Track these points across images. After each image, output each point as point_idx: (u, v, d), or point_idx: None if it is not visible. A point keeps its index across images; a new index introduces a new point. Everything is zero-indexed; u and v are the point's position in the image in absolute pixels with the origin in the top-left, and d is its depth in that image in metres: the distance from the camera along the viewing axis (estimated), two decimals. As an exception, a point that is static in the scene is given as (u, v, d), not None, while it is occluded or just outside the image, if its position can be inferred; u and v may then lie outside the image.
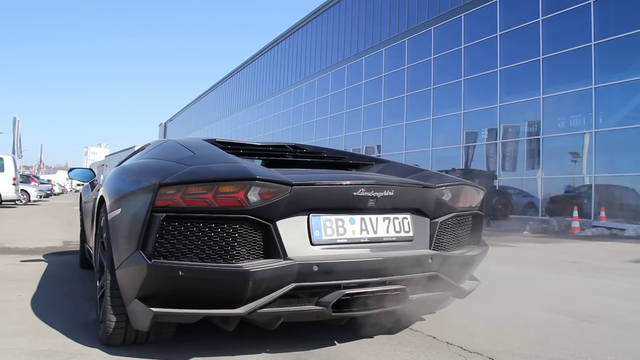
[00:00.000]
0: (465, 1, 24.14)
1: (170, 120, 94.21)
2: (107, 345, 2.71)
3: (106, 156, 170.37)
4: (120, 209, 2.64)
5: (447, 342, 2.97)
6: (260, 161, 3.46)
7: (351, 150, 31.98)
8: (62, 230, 10.36)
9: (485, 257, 3.20)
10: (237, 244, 2.41)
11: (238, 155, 3.22)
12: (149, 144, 4.08)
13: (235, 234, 2.42)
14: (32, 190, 24.09)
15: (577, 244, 10.09)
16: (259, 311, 2.38)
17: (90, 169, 5.35)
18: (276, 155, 3.62)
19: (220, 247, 2.40)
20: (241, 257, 2.41)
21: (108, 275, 2.67)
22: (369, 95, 31.78)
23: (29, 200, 23.58)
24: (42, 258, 6.29)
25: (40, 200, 25.26)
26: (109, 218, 2.74)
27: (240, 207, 2.38)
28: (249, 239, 2.44)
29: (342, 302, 2.48)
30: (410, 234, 2.78)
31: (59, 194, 50.78)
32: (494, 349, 2.89)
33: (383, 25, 30.84)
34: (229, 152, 3.16)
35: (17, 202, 21.41)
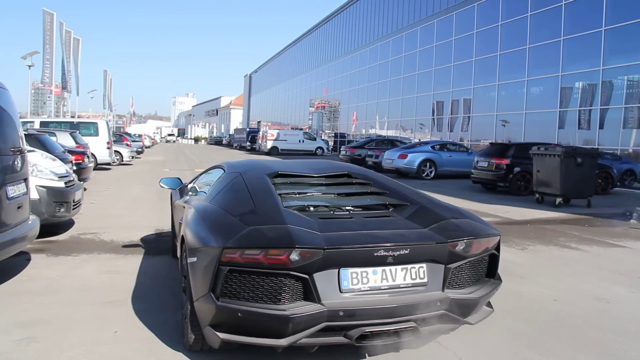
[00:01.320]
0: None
1: (255, 71, 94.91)
2: (188, 350, 3.69)
3: (193, 106, 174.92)
4: (196, 258, 3.47)
5: None
6: (309, 206, 4.03)
7: (434, 113, 31.32)
8: (154, 209, 10.47)
9: (497, 292, 3.81)
10: (282, 292, 3.21)
11: (293, 196, 4.15)
12: (219, 170, 4.98)
13: (280, 284, 3.20)
14: (125, 152, 24.91)
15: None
16: (297, 343, 3.18)
17: (178, 178, 6.43)
18: (319, 197, 4.31)
19: (270, 293, 3.21)
20: (285, 300, 3.20)
21: (188, 306, 3.60)
22: (459, 52, 30.52)
23: (122, 161, 24.41)
24: (138, 261, 6.29)
25: (132, 160, 26.06)
26: (188, 262, 3.61)
27: (284, 265, 3.14)
28: (291, 287, 3.22)
29: (365, 335, 3.21)
30: (425, 280, 3.40)
31: (150, 147, 52.47)
32: None
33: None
34: (285, 196, 4.07)
35: (111, 163, 22.23)
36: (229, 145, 70.70)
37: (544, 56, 23.94)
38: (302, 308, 3.16)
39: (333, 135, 51.53)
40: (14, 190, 5.07)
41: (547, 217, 11.07)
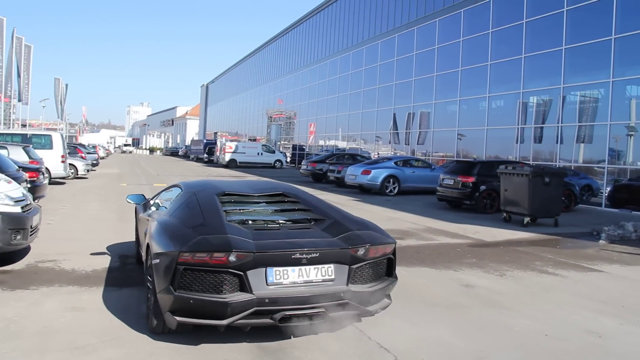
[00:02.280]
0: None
1: (212, 82, 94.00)
2: (152, 332, 4.66)
3: (148, 115, 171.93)
4: (159, 260, 4.46)
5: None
6: (248, 220, 5.00)
7: (393, 126, 31.42)
8: (115, 231, 9.97)
9: (394, 286, 4.95)
10: (223, 284, 4.22)
11: (237, 215, 5.05)
12: (177, 188, 6.14)
13: (222, 278, 4.23)
14: (80, 165, 24.06)
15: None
16: (235, 323, 4.20)
17: (143, 195, 7.61)
18: (258, 213, 5.30)
19: (214, 285, 4.23)
20: (226, 291, 4.22)
21: (152, 297, 4.63)
22: (420, 67, 30.68)
23: (77, 174, 23.57)
24: (103, 294, 5.86)
25: (87, 173, 25.21)
26: (153, 263, 4.59)
27: (225, 265, 4.19)
28: (230, 281, 4.23)
29: (285, 317, 4.24)
30: (332, 277, 4.46)
31: (104, 157, 51.15)
32: None
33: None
34: (229, 212, 5.09)
35: (66, 177, 21.40)
36: (186, 156, 69.63)
37: (505, 73, 24.23)
38: (237, 296, 4.20)
39: (291, 147, 51.22)
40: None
41: (518, 238, 11.02)
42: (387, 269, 4.92)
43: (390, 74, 33.76)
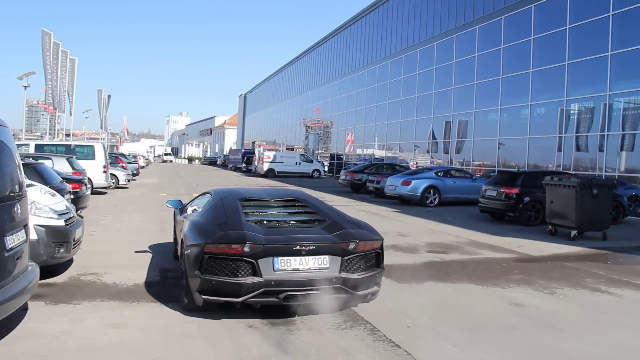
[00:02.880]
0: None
1: (250, 92, 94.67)
2: (184, 310, 5.75)
3: (187, 125, 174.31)
4: (189, 250, 5.54)
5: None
6: (264, 220, 6.08)
7: (431, 132, 31.02)
8: (156, 244, 9.99)
9: (382, 276, 5.92)
10: (239, 269, 5.28)
11: (254, 216, 6.14)
12: (208, 195, 7.32)
13: (238, 265, 5.29)
14: (121, 175, 24.38)
15: None
16: (248, 301, 5.25)
17: (180, 200, 8.90)
18: (272, 214, 6.37)
19: (232, 270, 5.29)
20: (241, 274, 5.27)
21: (184, 281, 5.75)
22: (460, 76, 30.27)
23: (118, 184, 23.88)
24: (145, 310, 5.80)
25: (128, 183, 25.53)
26: (185, 253, 5.68)
27: (240, 254, 5.25)
28: (244, 267, 5.28)
29: (288, 297, 5.26)
30: (327, 265, 5.44)
31: (144, 167, 51.88)
32: None
33: (477, 1, 29.05)
34: (248, 215, 6.11)
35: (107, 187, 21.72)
36: (224, 166, 70.16)
37: (547, 80, 23.70)
38: (250, 279, 5.25)
39: (328, 156, 51.11)
40: (12, 240, 4.58)
41: (566, 253, 10.64)
42: (375, 261, 5.89)
43: (429, 83, 33.40)
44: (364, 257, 5.73)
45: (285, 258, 5.36)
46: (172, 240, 9.13)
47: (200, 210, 6.74)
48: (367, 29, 44.36)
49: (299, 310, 5.59)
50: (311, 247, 5.42)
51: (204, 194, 7.68)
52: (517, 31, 25.49)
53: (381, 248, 5.94)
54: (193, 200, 8.16)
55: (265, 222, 6.03)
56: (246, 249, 5.25)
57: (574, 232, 12.19)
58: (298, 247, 5.39)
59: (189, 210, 7.46)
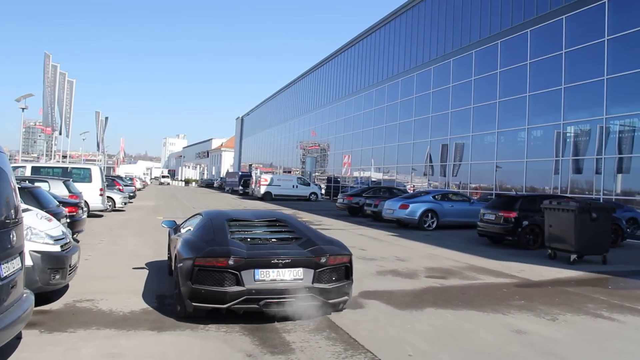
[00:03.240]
0: (569, 1, 22.44)
1: (247, 114, 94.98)
2: (177, 317, 6.42)
3: (184, 147, 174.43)
4: (182, 263, 6.32)
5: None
6: (247, 237, 6.98)
7: (429, 155, 31.05)
8: (152, 269, 9.89)
9: (351, 286, 6.76)
10: (224, 280, 6.05)
11: (239, 234, 7.00)
12: (199, 215, 8.18)
13: (224, 276, 6.05)
14: (117, 198, 24.32)
15: None
16: (232, 307, 5.97)
17: (174, 221, 9.77)
18: (256, 233, 7.26)
19: (218, 280, 6.06)
20: (226, 284, 6.04)
21: (177, 290, 6.51)
22: (457, 99, 30.40)
23: (115, 207, 23.79)
24: (141, 339, 5.69)
25: (125, 206, 25.43)
26: (178, 266, 6.46)
27: (226, 266, 6.01)
28: (229, 277, 6.04)
29: (267, 303, 5.99)
30: (301, 277, 6.23)
31: (141, 189, 51.77)
32: None
33: (473, 25, 29.30)
34: (233, 233, 6.92)
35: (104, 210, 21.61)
36: (221, 188, 70.12)
37: (544, 104, 23.82)
38: (234, 288, 6.03)
39: (325, 179, 51.09)
40: (7, 268, 4.49)
41: (566, 277, 10.56)
42: (345, 273, 6.74)
43: (426, 106, 33.54)
44: (335, 269, 6.59)
45: (264, 270, 6.19)
46: (169, 264, 9.24)
47: (192, 229, 7.53)
48: (364, 53, 44.66)
49: (277, 317, 6.36)
50: (287, 261, 6.25)
51: (196, 215, 8.60)
52: (514, 55, 25.69)
53: (350, 262, 6.77)
54: (186, 220, 8.90)
55: (248, 239, 6.96)
56: (231, 262, 6.08)
57: (573, 256, 12.13)
58: (276, 261, 6.21)
59: (182, 230, 8.17)
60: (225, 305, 6.01)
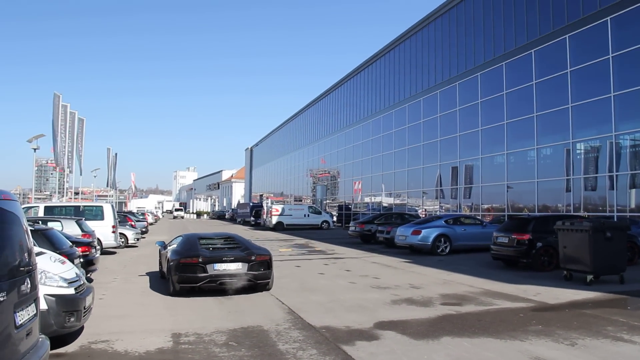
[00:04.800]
0: (571, 20, 22.56)
1: (256, 145, 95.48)
2: (170, 294, 11.13)
3: (194, 180, 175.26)
4: (173, 262, 11.04)
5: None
6: (210, 247, 11.89)
7: (440, 179, 30.99)
8: (166, 306, 9.92)
9: (272, 273, 11.50)
10: (197, 270, 10.85)
11: (205, 246, 11.95)
12: (180, 237, 13.12)
13: (196, 268, 10.87)
14: (130, 234, 24.41)
15: None
16: (201, 286, 10.87)
17: (164, 241, 14.41)
18: (211, 244, 12.28)
19: (193, 270, 10.86)
20: (197, 272, 10.83)
21: (170, 278, 11.18)
22: (464, 122, 30.45)
23: (127, 243, 23.86)
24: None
25: (137, 242, 25.49)
26: (170, 264, 11.24)
27: (197, 262, 10.88)
28: (199, 268, 10.86)
29: (221, 283, 10.85)
30: (240, 268, 11.03)
31: (153, 223, 51.89)
32: None
33: (477, 48, 29.48)
34: (202, 245, 11.87)
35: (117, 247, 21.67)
36: (232, 219, 70.15)
37: (552, 123, 23.79)
38: (202, 274, 10.71)
39: (336, 206, 51.02)
40: (22, 316, 4.51)
41: (583, 299, 10.43)
42: (267, 266, 11.33)
43: (434, 130, 33.59)
44: (260, 263, 11.28)
45: (219, 264, 10.90)
46: (182, 300, 10.73)
47: (176, 245, 12.23)
48: (371, 80, 44.93)
49: (229, 291, 10.97)
50: (232, 259, 11.04)
51: (178, 237, 13.42)
52: (519, 76, 25.76)
53: (270, 259, 11.52)
54: (172, 240, 13.53)
55: (210, 248, 11.84)
56: (200, 260, 10.83)
57: (590, 277, 12.00)
58: (225, 259, 11.00)
59: (169, 247, 12.57)
60: (197, 284, 10.79)
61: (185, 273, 10.65)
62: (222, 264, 10.77)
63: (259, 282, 11.07)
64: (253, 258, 11.04)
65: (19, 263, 4.66)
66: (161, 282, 13.32)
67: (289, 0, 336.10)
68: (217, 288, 10.71)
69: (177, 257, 10.87)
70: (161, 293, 11.50)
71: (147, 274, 15.07)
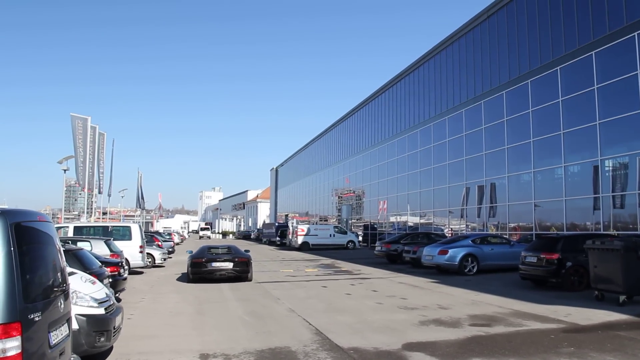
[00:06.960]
0: (597, 37, 22.38)
1: (281, 165, 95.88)
2: (188, 281, 18.46)
3: (220, 200, 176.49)
4: (189, 261, 18.75)
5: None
6: (213, 253, 19.10)
7: (465, 196, 30.73)
8: (194, 326, 9.96)
9: (251, 266, 18.78)
10: (201, 266, 18.21)
11: (209, 251, 19.11)
12: (199, 248, 20.46)
13: (201, 264, 18.22)
14: (157, 254, 24.67)
15: None
16: (204, 275, 18.14)
17: (191, 250, 20.66)
18: (214, 251, 19.28)
19: (199, 266, 18.26)
20: (202, 267, 18.21)
21: (188, 270, 18.82)
22: (490, 140, 30.24)
23: (154, 263, 24.07)
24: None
25: (164, 262, 25.70)
26: (188, 263, 18.91)
27: (202, 262, 18.25)
28: (203, 265, 18.19)
29: (217, 274, 18.03)
30: (230, 265, 18.16)
31: (179, 243, 52.25)
32: None
33: (502, 66, 29.36)
34: (208, 252, 18.95)
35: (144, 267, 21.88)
36: (258, 239, 70.34)
37: (580, 141, 23.49)
38: (204, 269, 18.04)
39: (362, 226, 50.83)
40: (56, 336, 4.59)
41: (616, 320, 10.22)
42: (247, 264, 18.38)
43: (459, 150, 33.37)
44: (242, 262, 18.18)
45: (216, 262, 17.90)
46: (210, 320, 10.69)
47: (194, 252, 19.29)
48: (395, 100, 44.94)
49: (222, 280, 17.71)
50: (223, 259, 18.10)
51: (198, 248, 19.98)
52: (545, 94, 25.54)
53: (249, 260, 18.51)
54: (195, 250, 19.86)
55: (213, 253, 18.67)
56: (203, 260, 17.97)
57: (622, 297, 11.75)
58: (219, 259, 18.03)
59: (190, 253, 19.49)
60: (201, 275, 17.77)
61: (195, 267, 17.95)
62: (217, 263, 17.85)
63: (241, 275, 18.00)
64: (236, 259, 18.05)
65: (53, 283, 4.76)
66: (188, 301, 13.40)
67: (314, 31, 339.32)
68: (214, 277, 17.74)
69: (191, 258, 18.34)
70: (188, 313, 11.55)
71: (175, 293, 15.19)
